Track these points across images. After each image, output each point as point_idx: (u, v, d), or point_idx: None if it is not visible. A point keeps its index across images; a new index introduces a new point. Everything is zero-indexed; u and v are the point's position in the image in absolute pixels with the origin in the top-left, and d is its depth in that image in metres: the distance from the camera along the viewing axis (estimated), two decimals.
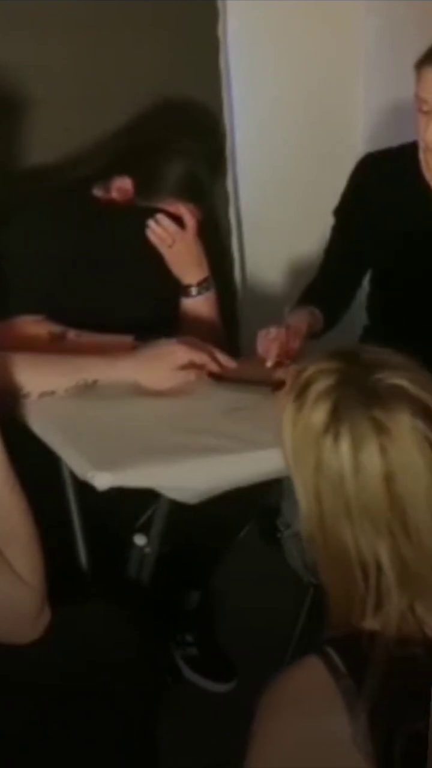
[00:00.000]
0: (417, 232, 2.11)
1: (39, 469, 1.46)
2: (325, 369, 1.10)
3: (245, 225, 2.65)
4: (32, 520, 1.40)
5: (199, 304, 2.12)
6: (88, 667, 1.42)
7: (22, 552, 1.37)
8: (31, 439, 1.64)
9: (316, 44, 2.61)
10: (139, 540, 1.78)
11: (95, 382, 1.76)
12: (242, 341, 2.40)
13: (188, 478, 1.55)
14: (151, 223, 2.06)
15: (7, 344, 1.77)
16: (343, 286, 2.24)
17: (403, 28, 2.49)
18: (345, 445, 1.06)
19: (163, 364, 1.80)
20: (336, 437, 1.06)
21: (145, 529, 1.78)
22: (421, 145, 2.01)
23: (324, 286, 2.22)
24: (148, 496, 1.64)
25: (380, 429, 1.05)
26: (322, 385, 1.09)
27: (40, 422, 1.65)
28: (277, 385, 1.68)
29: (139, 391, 1.74)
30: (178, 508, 1.62)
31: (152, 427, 1.63)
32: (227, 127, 2.53)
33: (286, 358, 1.84)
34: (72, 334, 1.89)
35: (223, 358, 1.86)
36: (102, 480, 1.47)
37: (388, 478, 1.05)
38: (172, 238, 2.07)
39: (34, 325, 1.88)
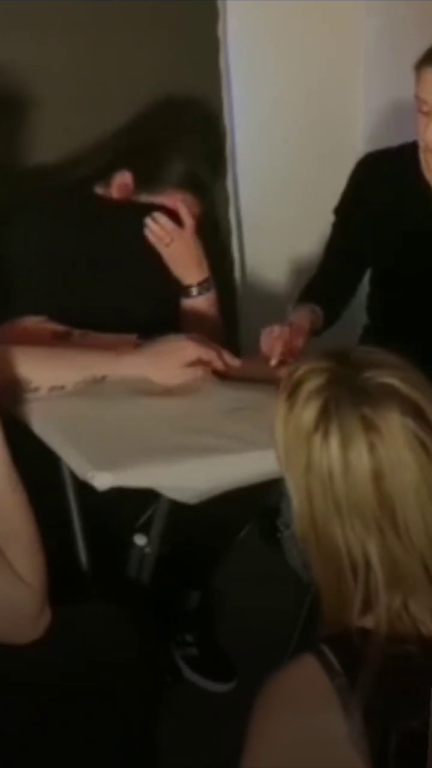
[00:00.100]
0: (417, 232, 2.11)
1: (39, 469, 1.46)
2: (316, 368, 1.11)
3: (245, 225, 2.65)
4: (34, 521, 1.40)
5: (199, 304, 2.12)
6: (88, 667, 1.42)
7: (23, 552, 1.37)
8: (31, 439, 1.64)
9: (316, 44, 2.61)
10: (139, 540, 1.78)
11: (104, 377, 1.76)
12: (242, 341, 2.40)
13: (188, 478, 1.55)
14: (148, 221, 2.06)
15: (11, 344, 1.77)
16: (344, 283, 2.24)
17: (403, 28, 2.49)
18: (334, 443, 1.07)
19: (173, 360, 1.80)
20: (325, 435, 1.07)
21: (145, 529, 1.78)
22: (421, 146, 2.01)
23: (324, 283, 2.22)
24: (148, 496, 1.64)
25: (369, 427, 1.06)
26: (312, 384, 1.10)
27: (40, 422, 1.65)
28: None
29: (139, 391, 1.74)
30: (178, 508, 1.62)
31: (152, 427, 1.63)
32: (227, 127, 2.53)
33: (289, 356, 1.84)
34: (76, 333, 1.88)
35: (227, 356, 1.86)
36: (102, 480, 1.47)
37: (377, 476, 1.06)
38: (170, 237, 2.06)
39: (37, 326, 1.88)
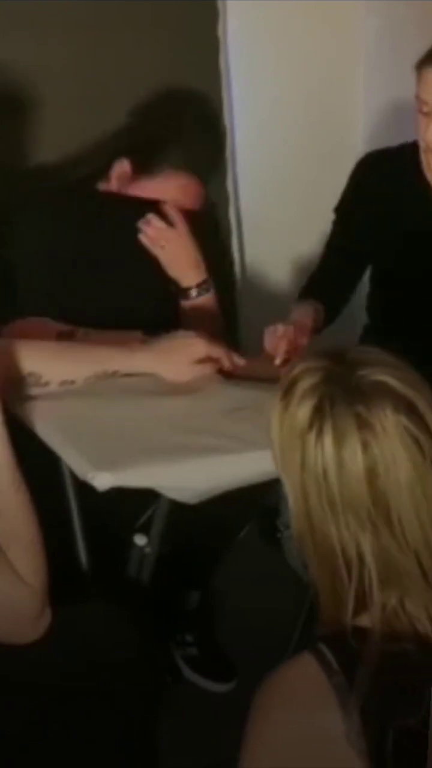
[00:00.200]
0: (417, 232, 2.11)
1: (39, 469, 1.46)
2: (311, 367, 1.12)
3: (245, 225, 2.65)
4: (36, 522, 1.40)
5: (199, 306, 2.12)
6: (88, 667, 1.42)
7: (25, 552, 1.37)
8: (32, 439, 1.64)
9: (316, 44, 2.61)
10: (139, 540, 1.78)
11: (115, 372, 1.76)
12: (242, 341, 2.40)
13: (188, 478, 1.55)
14: (141, 225, 2.06)
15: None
16: (344, 280, 2.24)
17: (403, 28, 2.49)
18: (328, 441, 1.07)
19: (183, 356, 1.79)
20: (319, 434, 1.08)
21: (145, 529, 1.78)
22: (422, 146, 2.01)
23: (325, 280, 2.22)
24: (148, 496, 1.64)
25: (363, 425, 1.06)
26: (307, 383, 1.10)
27: (40, 422, 1.65)
28: None
29: (139, 391, 1.74)
30: (178, 508, 1.62)
31: (152, 427, 1.63)
32: (227, 127, 2.53)
33: (294, 355, 1.84)
34: (81, 332, 1.88)
35: (234, 355, 1.86)
36: (102, 480, 1.47)
37: (371, 474, 1.06)
38: (164, 238, 2.06)
39: (41, 325, 1.88)
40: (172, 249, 2.07)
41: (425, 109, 1.92)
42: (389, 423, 1.06)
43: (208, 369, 1.80)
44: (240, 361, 1.85)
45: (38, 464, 1.48)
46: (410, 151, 2.07)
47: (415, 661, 1.04)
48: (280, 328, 1.89)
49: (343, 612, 1.09)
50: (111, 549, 1.81)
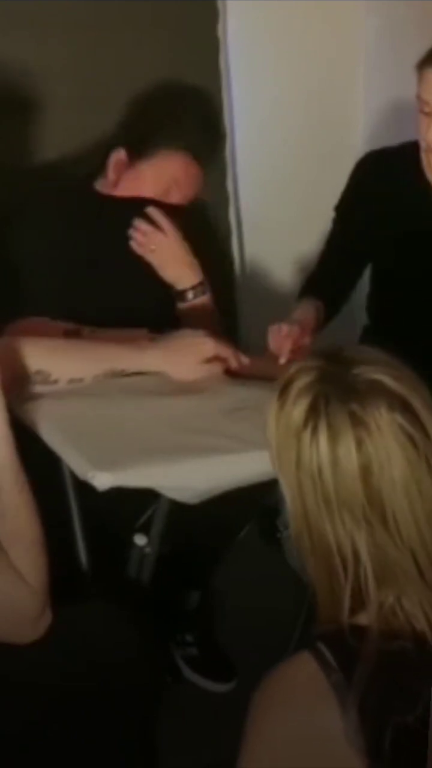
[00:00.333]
0: (417, 232, 2.11)
1: (39, 469, 1.46)
2: (307, 367, 1.12)
3: (245, 225, 2.65)
4: (39, 522, 1.40)
5: (196, 307, 2.12)
6: (88, 667, 1.42)
7: (27, 552, 1.37)
8: (32, 439, 1.64)
9: (316, 44, 2.61)
10: (139, 540, 1.77)
11: (122, 371, 1.76)
12: (242, 340, 2.40)
13: (188, 478, 1.55)
14: (130, 232, 2.07)
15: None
16: (344, 278, 2.24)
17: (403, 28, 2.49)
18: (323, 439, 1.08)
19: (192, 355, 1.80)
20: (314, 432, 1.08)
21: (145, 529, 1.78)
22: (423, 146, 2.01)
23: (325, 278, 2.22)
24: (148, 496, 1.64)
25: (357, 423, 1.07)
26: (302, 382, 1.11)
27: (41, 422, 1.64)
28: None
29: (139, 390, 1.74)
30: (178, 508, 1.62)
31: (152, 427, 1.63)
32: (227, 127, 2.53)
33: (298, 354, 1.84)
34: (87, 331, 1.88)
35: (240, 355, 1.86)
36: (102, 480, 1.47)
37: (366, 471, 1.06)
38: (153, 242, 2.06)
39: (48, 323, 1.88)
40: (162, 252, 2.07)
41: (426, 109, 1.92)
42: (384, 421, 1.06)
43: (215, 368, 1.81)
44: (245, 360, 1.85)
45: (38, 464, 1.49)
46: (410, 150, 2.07)
47: (412, 659, 1.04)
48: (285, 327, 1.89)
49: (340, 611, 1.10)
50: (111, 549, 1.81)
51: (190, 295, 2.11)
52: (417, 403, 1.08)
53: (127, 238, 2.09)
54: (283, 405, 1.12)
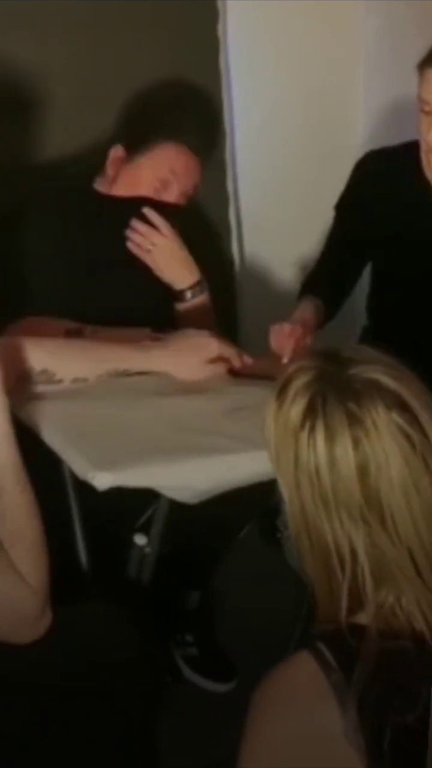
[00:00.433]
0: (417, 232, 2.11)
1: (39, 470, 1.46)
2: (305, 366, 1.13)
3: (245, 225, 2.65)
4: (40, 523, 1.40)
5: (194, 307, 2.12)
6: (88, 667, 1.42)
7: (27, 553, 1.37)
8: (32, 438, 1.64)
9: (316, 44, 2.61)
10: (139, 540, 1.77)
11: (127, 371, 1.76)
12: (242, 340, 2.40)
13: (188, 478, 1.55)
14: (128, 233, 2.07)
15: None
16: (343, 278, 2.24)
17: (403, 28, 2.49)
18: (320, 438, 1.08)
19: (196, 356, 1.80)
20: (312, 431, 1.08)
21: (145, 529, 1.78)
22: (423, 147, 2.01)
23: (325, 276, 2.22)
24: (148, 496, 1.64)
25: (354, 422, 1.07)
26: (300, 381, 1.11)
27: (41, 422, 1.64)
28: None
29: (140, 391, 1.74)
30: (178, 508, 1.62)
31: (152, 427, 1.63)
32: (227, 127, 2.53)
33: (300, 353, 1.84)
34: (89, 330, 1.89)
35: (244, 355, 1.86)
36: (102, 480, 1.47)
37: (363, 470, 1.07)
38: (150, 241, 2.07)
39: (50, 322, 1.88)
40: (159, 252, 2.07)
41: (427, 108, 1.92)
42: (381, 420, 1.07)
43: (220, 368, 1.81)
44: (249, 360, 1.86)
45: (38, 464, 1.48)
46: (410, 150, 2.07)
47: (412, 658, 1.04)
48: (287, 326, 1.89)
49: (339, 610, 1.10)
50: (111, 549, 1.81)
51: (188, 294, 2.11)
52: (415, 403, 1.08)
53: (127, 238, 2.09)
54: (282, 405, 1.12)
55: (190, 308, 2.11)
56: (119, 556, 1.81)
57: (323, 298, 2.12)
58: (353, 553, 1.08)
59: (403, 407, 1.08)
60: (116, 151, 2.13)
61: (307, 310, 2.05)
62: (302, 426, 1.09)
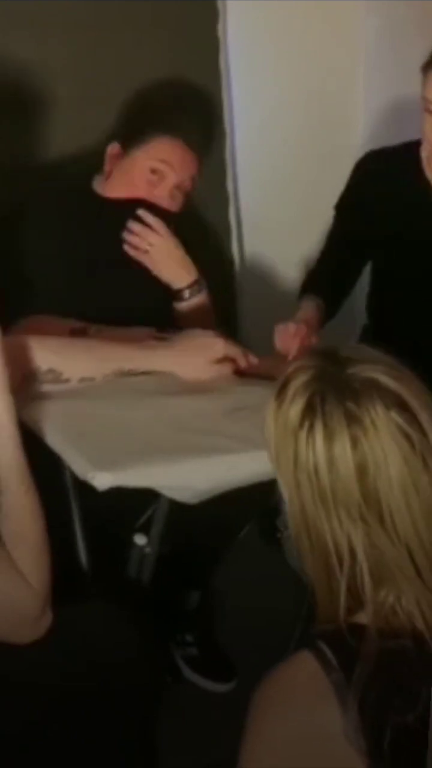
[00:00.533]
0: (417, 232, 2.11)
1: (40, 469, 1.46)
2: (304, 366, 1.13)
3: (245, 225, 2.65)
4: (43, 524, 1.40)
5: (192, 306, 2.12)
6: (88, 667, 1.42)
7: (30, 553, 1.37)
8: (32, 438, 1.63)
9: (316, 44, 2.61)
10: (139, 540, 1.77)
11: (131, 370, 1.76)
12: (242, 340, 2.39)
13: (188, 478, 1.55)
14: (124, 235, 2.07)
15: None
16: (343, 278, 2.24)
17: (403, 28, 2.49)
18: (319, 437, 1.08)
19: (203, 356, 1.80)
20: (310, 430, 1.08)
21: (145, 529, 1.78)
22: (427, 147, 2.01)
23: (325, 276, 2.22)
24: (148, 496, 1.64)
25: (353, 421, 1.07)
26: (299, 381, 1.11)
27: (41, 422, 1.64)
28: None
29: (140, 391, 1.74)
30: (178, 508, 1.62)
31: (152, 427, 1.63)
32: (227, 127, 2.53)
33: (305, 353, 1.84)
34: (93, 329, 1.88)
35: (249, 355, 1.86)
36: (102, 480, 1.47)
37: (361, 469, 1.07)
38: (147, 242, 2.06)
39: (54, 322, 1.88)
40: (156, 252, 2.08)
41: (431, 108, 1.91)
42: (380, 419, 1.07)
43: (226, 369, 1.81)
44: (254, 360, 1.86)
45: (39, 464, 1.49)
46: (410, 150, 2.07)
47: (412, 658, 1.04)
48: (292, 326, 1.89)
49: (339, 610, 1.10)
50: (111, 549, 1.81)
51: (186, 293, 2.11)
52: (414, 403, 1.08)
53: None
54: (281, 404, 1.12)
55: (188, 307, 2.12)
56: (119, 556, 1.81)
57: (324, 297, 2.12)
58: (352, 553, 1.08)
59: (402, 406, 1.07)
60: (113, 148, 2.14)
61: (309, 309, 2.05)
62: (301, 425, 1.09)
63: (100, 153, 2.18)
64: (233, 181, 2.60)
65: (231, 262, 2.65)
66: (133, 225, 2.07)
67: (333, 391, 1.09)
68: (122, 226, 2.08)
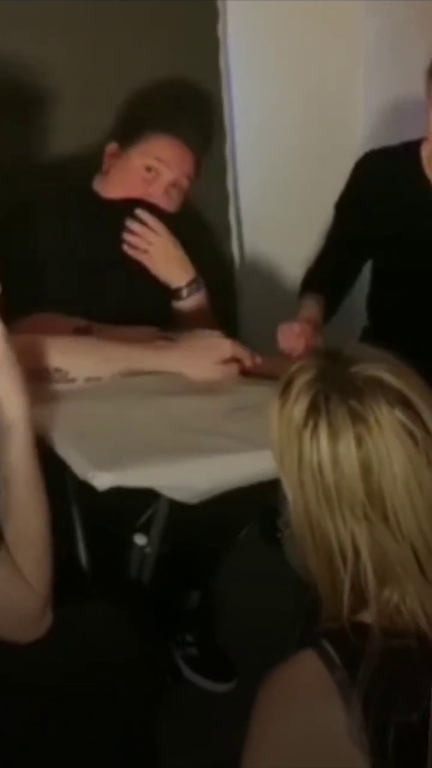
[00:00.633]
0: (417, 231, 2.11)
1: (39, 469, 1.46)
2: (307, 365, 1.13)
3: (245, 224, 2.65)
4: (47, 525, 1.39)
5: (191, 305, 2.12)
6: (88, 667, 1.42)
7: (33, 554, 1.37)
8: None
9: (316, 44, 2.61)
10: (139, 540, 1.77)
11: (137, 370, 1.76)
12: (242, 341, 2.39)
13: (188, 478, 1.55)
14: (124, 236, 2.07)
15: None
16: (343, 277, 2.25)
17: (403, 28, 2.49)
18: (323, 436, 1.08)
19: (210, 356, 1.80)
20: (315, 429, 1.09)
21: (145, 529, 1.78)
22: (427, 147, 2.01)
23: (325, 275, 2.22)
24: (148, 496, 1.64)
25: (357, 419, 1.07)
26: (302, 380, 1.12)
27: (41, 422, 1.64)
28: None
29: (140, 390, 1.74)
30: (178, 508, 1.62)
31: (152, 427, 1.63)
32: (227, 127, 2.53)
33: (309, 353, 1.84)
34: (96, 328, 1.88)
35: (255, 355, 1.86)
36: (102, 480, 1.47)
37: (366, 468, 1.07)
38: (146, 241, 2.07)
39: (58, 320, 1.88)
40: (155, 251, 2.08)
41: None
42: (383, 417, 1.07)
43: (232, 369, 1.81)
44: (260, 360, 1.86)
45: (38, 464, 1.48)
46: (410, 150, 2.08)
47: (416, 657, 1.04)
48: (296, 326, 1.89)
49: (343, 608, 1.10)
50: (111, 549, 1.81)
51: (184, 292, 2.12)
52: (418, 400, 1.08)
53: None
54: (285, 404, 1.12)
55: (187, 306, 2.12)
56: (119, 556, 1.81)
57: (324, 295, 2.13)
58: (356, 552, 1.08)
59: (406, 404, 1.08)
60: (111, 148, 2.14)
61: (312, 308, 2.05)
62: (305, 424, 1.09)
63: (100, 153, 2.18)
64: (233, 180, 2.60)
65: (231, 262, 2.65)
66: (132, 225, 2.07)
67: (337, 389, 1.09)
68: (122, 226, 2.09)
